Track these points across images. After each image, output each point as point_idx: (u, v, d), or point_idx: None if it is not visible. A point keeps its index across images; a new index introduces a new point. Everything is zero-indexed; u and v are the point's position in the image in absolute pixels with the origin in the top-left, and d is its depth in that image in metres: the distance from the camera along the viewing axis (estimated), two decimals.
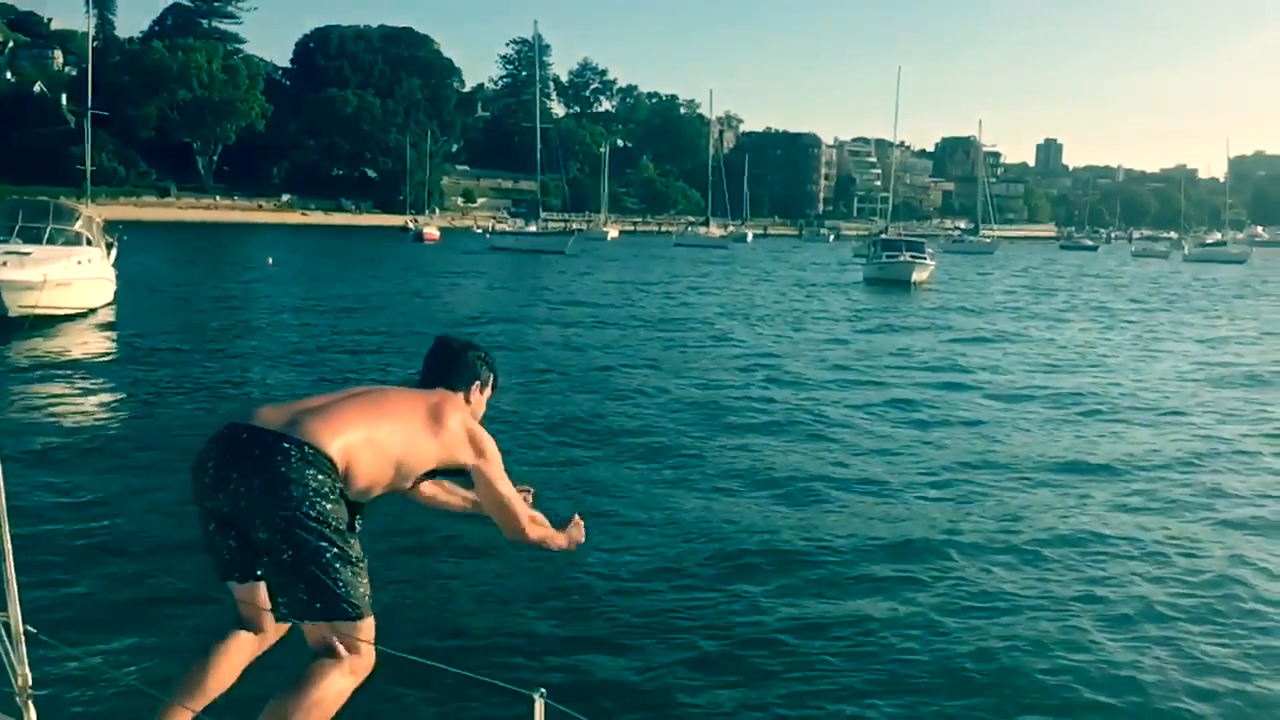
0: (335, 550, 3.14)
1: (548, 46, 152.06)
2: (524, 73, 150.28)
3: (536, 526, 3.87)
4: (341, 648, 3.19)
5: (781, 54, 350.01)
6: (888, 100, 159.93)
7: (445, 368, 3.84)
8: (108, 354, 20.77)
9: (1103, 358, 25.34)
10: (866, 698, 6.64)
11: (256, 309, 30.88)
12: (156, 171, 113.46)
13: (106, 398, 16.24)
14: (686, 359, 22.75)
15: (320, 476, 3.13)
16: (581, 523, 4.03)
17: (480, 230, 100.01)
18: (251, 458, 3.15)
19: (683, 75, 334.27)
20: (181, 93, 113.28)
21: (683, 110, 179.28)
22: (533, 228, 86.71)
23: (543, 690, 3.88)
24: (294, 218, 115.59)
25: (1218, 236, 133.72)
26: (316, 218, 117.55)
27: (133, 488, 10.78)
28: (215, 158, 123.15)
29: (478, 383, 3.87)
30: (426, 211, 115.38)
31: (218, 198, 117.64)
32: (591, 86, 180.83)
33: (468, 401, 3.78)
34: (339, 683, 3.18)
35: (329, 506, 3.13)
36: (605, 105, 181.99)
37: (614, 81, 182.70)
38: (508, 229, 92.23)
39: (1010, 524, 10.50)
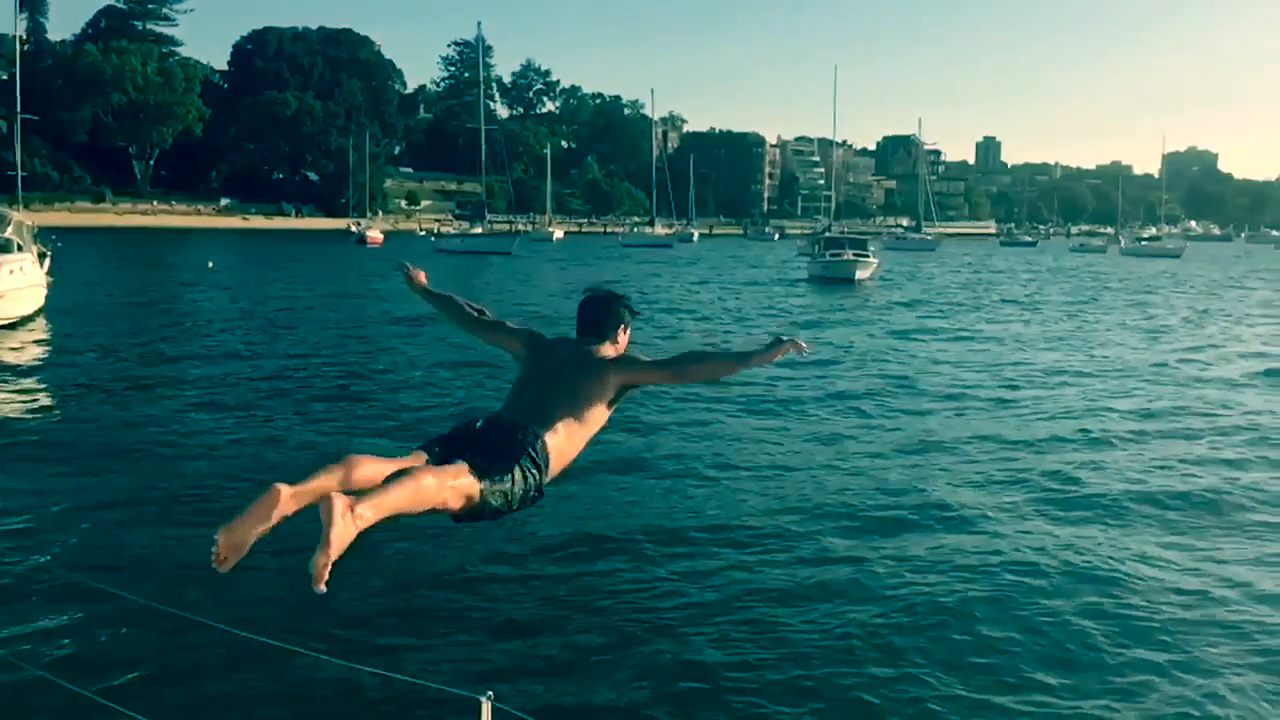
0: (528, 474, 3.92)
1: (490, 48, 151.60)
2: (466, 74, 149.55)
3: (728, 350, 4.66)
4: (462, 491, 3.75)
5: (723, 54, 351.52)
6: (829, 99, 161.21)
7: (596, 318, 4.51)
8: (36, 362, 20.29)
9: (1034, 349, 25.76)
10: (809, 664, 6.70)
11: (196, 313, 30.43)
12: (91, 176, 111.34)
13: (31, 406, 15.90)
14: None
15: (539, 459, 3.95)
16: (799, 343, 4.33)
17: (424, 233, 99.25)
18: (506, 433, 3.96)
19: (625, 76, 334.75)
20: (116, 96, 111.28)
21: (626, 111, 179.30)
22: (478, 230, 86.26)
23: (490, 694, 3.83)
24: (234, 222, 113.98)
25: (1153, 231, 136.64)
26: (257, 222, 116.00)
27: (57, 488, 10.69)
28: (152, 162, 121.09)
29: (622, 325, 4.53)
30: (369, 214, 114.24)
31: (155, 202, 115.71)
32: (534, 88, 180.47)
33: (615, 342, 4.47)
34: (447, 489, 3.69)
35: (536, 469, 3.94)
36: (549, 106, 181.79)
37: (557, 82, 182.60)
38: (453, 231, 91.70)
39: (907, 497, 10.94)
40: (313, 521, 3.21)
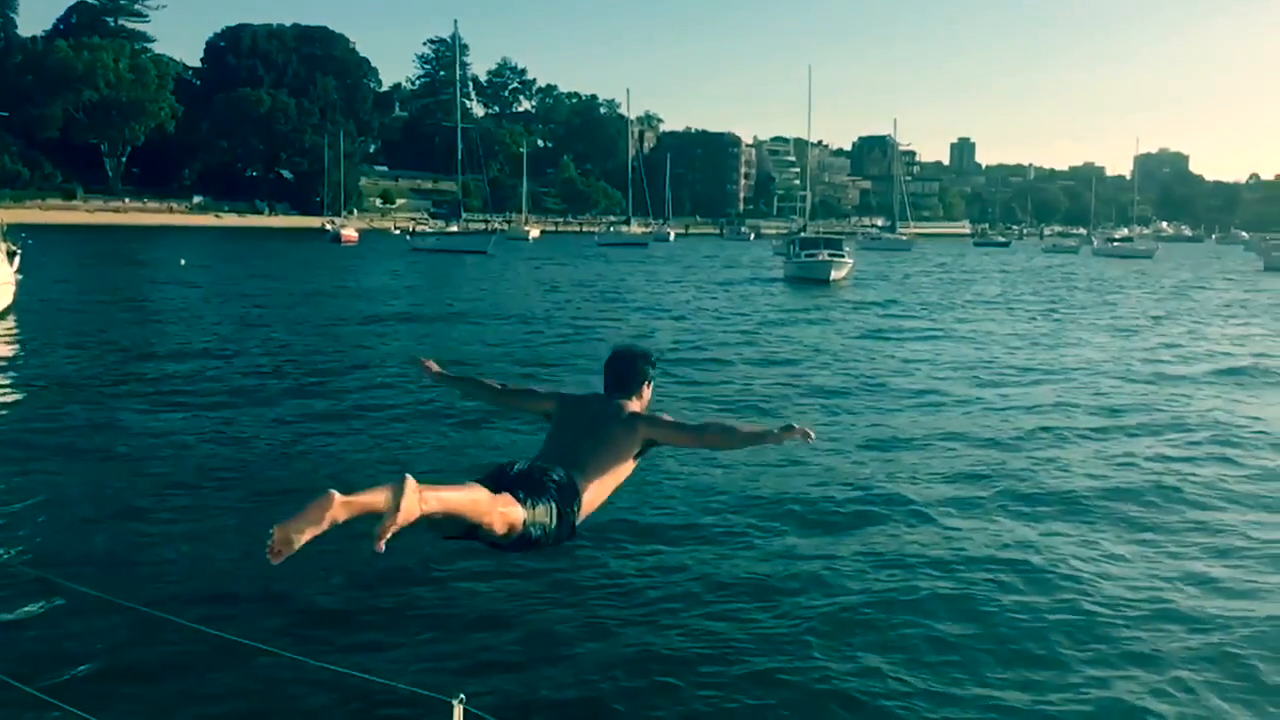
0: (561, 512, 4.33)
1: (466, 46, 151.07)
2: (442, 72, 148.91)
3: (748, 426, 4.81)
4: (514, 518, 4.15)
5: (700, 53, 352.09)
6: (805, 99, 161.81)
7: (623, 375, 4.87)
8: (3, 361, 20.11)
9: (1004, 348, 25.98)
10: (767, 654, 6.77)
11: (166, 312, 30.24)
12: (62, 174, 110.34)
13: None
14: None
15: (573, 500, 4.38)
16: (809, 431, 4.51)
17: (399, 231, 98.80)
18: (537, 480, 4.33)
19: (601, 75, 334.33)
20: (87, 93, 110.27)
21: (602, 110, 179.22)
22: (454, 228, 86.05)
23: (462, 696, 3.87)
24: (207, 220, 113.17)
25: (1125, 232, 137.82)
26: (231, 220, 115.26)
27: (22, 486, 10.69)
28: (124, 159, 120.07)
29: (647, 380, 4.90)
30: (344, 213, 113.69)
31: (127, 200, 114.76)
32: (510, 86, 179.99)
33: (640, 397, 4.84)
34: (497, 510, 4.07)
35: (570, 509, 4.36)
36: (525, 105, 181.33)
37: (533, 81, 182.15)
38: (428, 230, 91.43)
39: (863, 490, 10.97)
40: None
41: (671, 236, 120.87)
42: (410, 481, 3.62)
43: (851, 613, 7.99)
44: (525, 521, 4.16)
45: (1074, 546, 9.77)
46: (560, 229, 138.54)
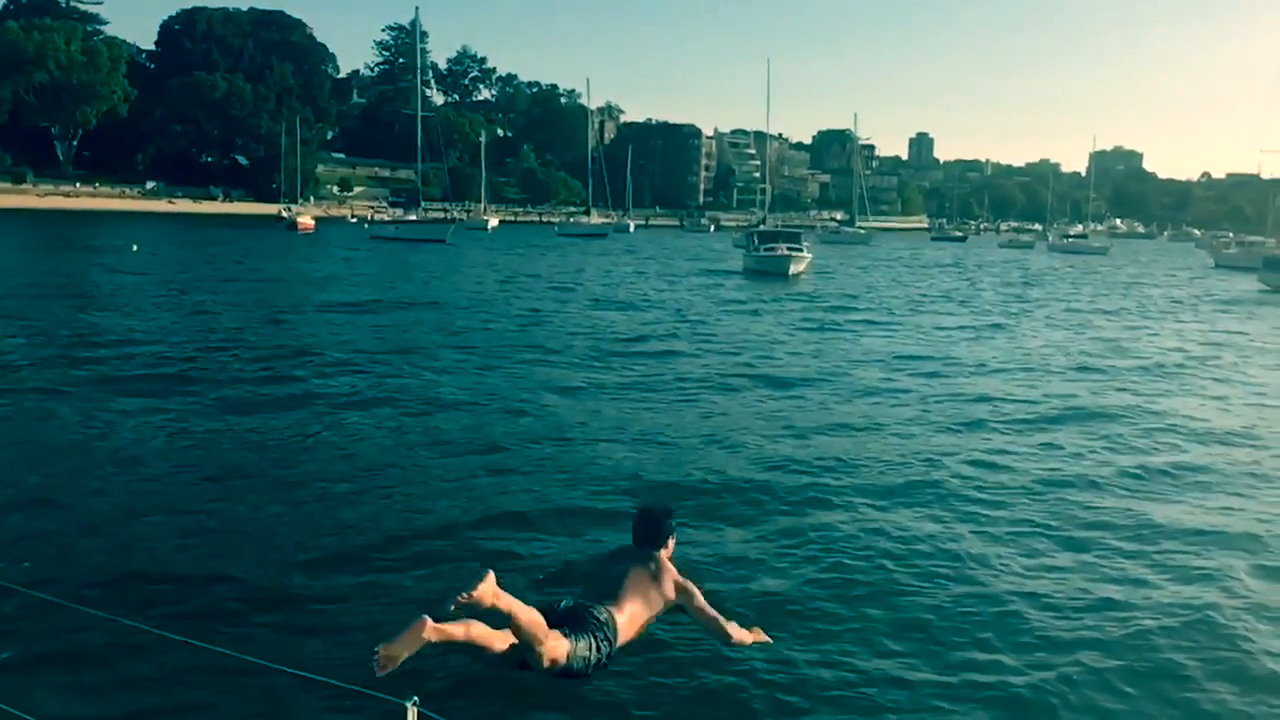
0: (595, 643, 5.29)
1: (426, 34, 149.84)
2: (401, 60, 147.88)
3: (738, 631, 5.96)
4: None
5: (661, 44, 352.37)
6: (765, 92, 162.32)
7: (650, 533, 5.76)
8: None
9: (954, 343, 26.23)
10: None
11: (116, 298, 29.77)
12: (11, 157, 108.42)
13: None
14: (555, 339, 22.79)
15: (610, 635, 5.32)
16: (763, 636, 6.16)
17: (356, 219, 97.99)
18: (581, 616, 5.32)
19: (562, 65, 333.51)
20: (38, 75, 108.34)
21: (563, 100, 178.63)
22: (412, 217, 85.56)
23: (415, 699, 3.81)
24: (161, 206, 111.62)
25: (1080, 229, 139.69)
26: (185, 206, 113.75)
27: None
28: (75, 143, 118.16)
29: (672, 535, 5.83)
30: (301, 200, 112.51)
31: (78, 184, 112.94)
32: (470, 75, 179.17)
33: (666, 546, 5.77)
34: (550, 638, 5.06)
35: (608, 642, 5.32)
36: (484, 94, 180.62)
37: (493, 70, 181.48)
38: (387, 218, 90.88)
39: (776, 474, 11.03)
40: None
41: (632, 228, 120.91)
42: (490, 574, 4.63)
43: (773, 598, 8.01)
44: (569, 655, 4.98)
45: (987, 535, 9.88)
46: (520, 219, 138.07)
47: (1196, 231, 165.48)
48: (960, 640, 7.46)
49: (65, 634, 6.82)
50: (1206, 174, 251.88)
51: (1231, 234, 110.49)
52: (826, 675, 6.83)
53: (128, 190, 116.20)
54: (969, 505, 10.92)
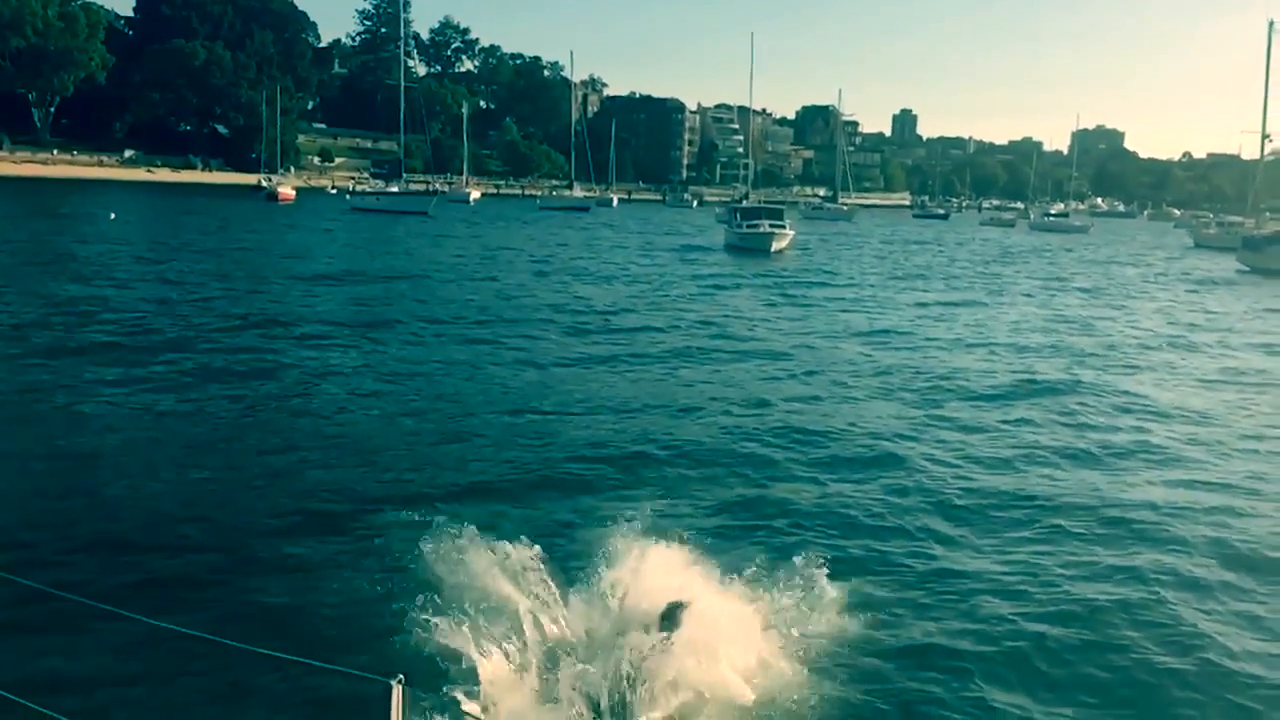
0: None
1: (408, 3, 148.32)
2: (383, 29, 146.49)
3: None
4: None
5: (645, 17, 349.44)
6: (748, 67, 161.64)
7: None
8: None
9: (928, 321, 26.38)
10: None
11: (92, 266, 29.53)
12: None
13: None
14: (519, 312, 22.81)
15: None
16: None
17: (337, 190, 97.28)
18: None
19: (545, 36, 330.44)
20: (15, 40, 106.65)
21: (546, 72, 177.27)
22: (394, 189, 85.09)
23: (401, 676, 3.85)
24: (139, 174, 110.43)
25: (1061, 207, 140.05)
26: (163, 175, 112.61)
27: None
28: (52, 110, 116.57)
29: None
30: (281, 170, 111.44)
31: (55, 152, 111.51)
32: (453, 46, 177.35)
33: None
34: None
35: None
36: (467, 65, 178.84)
37: (476, 41, 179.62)
38: (369, 190, 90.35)
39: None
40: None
41: (614, 202, 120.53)
42: None
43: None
44: None
45: (942, 505, 10.03)
46: (502, 192, 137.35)
47: (1176, 211, 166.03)
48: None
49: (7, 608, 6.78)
50: (1187, 154, 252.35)
51: (1211, 214, 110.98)
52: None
53: (105, 158, 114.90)
54: (924, 476, 11.06)
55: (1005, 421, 14.19)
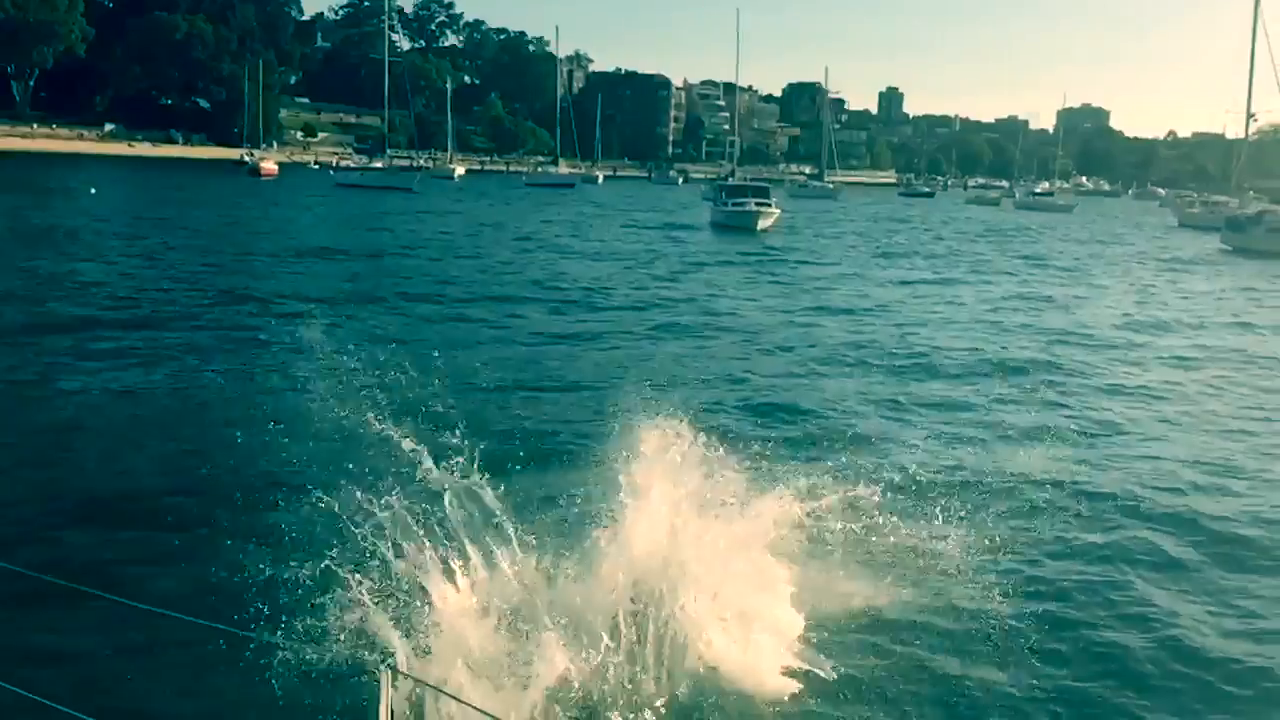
0: None
1: None
2: (366, 2, 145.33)
3: None
4: None
5: None
6: (734, 43, 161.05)
7: None
8: None
9: (910, 302, 26.47)
10: None
11: (71, 242, 29.33)
12: None
13: None
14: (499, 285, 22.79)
15: None
16: None
17: (320, 166, 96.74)
18: None
19: (530, 11, 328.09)
20: None
21: (531, 48, 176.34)
22: (379, 164, 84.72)
23: (390, 662, 3.86)
24: (120, 149, 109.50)
25: (1046, 186, 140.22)
26: (144, 149, 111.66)
27: None
28: (32, 83, 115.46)
29: None
30: (263, 145, 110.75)
31: (35, 126, 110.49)
32: (437, 20, 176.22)
33: None
34: None
35: None
36: (451, 40, 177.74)
37: (460, 15, 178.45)
38: (352, 165, 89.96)
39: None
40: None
41: (600, 178, 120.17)
42: None
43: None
44: None
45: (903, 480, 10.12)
46: (487, 168, 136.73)
47: (1161, 190, 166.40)
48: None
49: None
50: (1172, 133, 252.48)
51: (1195, 194, 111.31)
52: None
53: (86, 132, 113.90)
54: (896, 452, 11.13)
55: (978, 398, 14.29)
